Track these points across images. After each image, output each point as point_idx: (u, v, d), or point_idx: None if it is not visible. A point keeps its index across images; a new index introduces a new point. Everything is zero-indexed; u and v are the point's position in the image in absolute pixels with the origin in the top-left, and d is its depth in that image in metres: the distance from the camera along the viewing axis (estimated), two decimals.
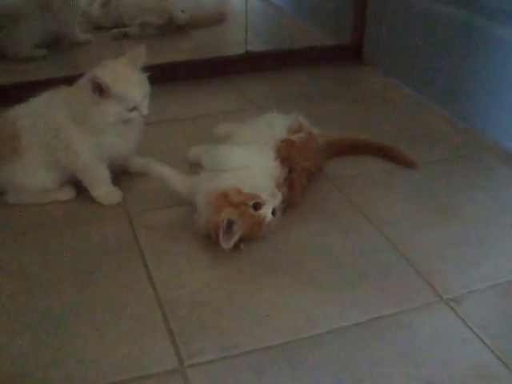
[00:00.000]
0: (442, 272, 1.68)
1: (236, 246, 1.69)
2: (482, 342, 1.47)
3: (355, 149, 2.17)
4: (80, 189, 1.96)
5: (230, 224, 1.64)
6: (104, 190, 1.94)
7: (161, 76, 2.63)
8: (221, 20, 3.59)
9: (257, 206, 1.67)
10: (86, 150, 1.86)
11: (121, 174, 2.05)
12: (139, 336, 1.47)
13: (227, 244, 1.65)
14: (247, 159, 1.78)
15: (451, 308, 1.56)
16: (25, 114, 1.91)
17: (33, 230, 1.84)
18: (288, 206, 1.81)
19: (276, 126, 1.96)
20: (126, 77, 1.83)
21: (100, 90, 1.79)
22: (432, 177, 2.04)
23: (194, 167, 1.95)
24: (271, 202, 1.69)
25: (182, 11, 3.44)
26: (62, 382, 1.36)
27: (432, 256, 1.74)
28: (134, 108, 1.83)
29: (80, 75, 1.88)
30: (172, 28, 3.41)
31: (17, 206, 1.93)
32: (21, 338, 1.47)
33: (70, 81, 1.92)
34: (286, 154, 1.84)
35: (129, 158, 2.02)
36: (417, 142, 2.28)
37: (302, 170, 1.88)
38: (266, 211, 1.69)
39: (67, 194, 1.96)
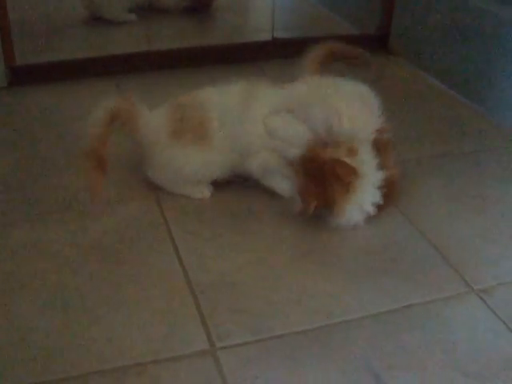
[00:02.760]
0: (473, 263, 1.67)
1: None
2: None
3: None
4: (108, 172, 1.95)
5: None
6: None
7: (187, 60, 2.66)
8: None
9: None
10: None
11: None
12: (169, 317, 1.47)
13: None
14: None
15: (482, 299, 1.55)
16: (216, 103, 1.86)
17: (58, 210, 1.83)
18: None
19: None
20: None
21: None
22: (463, 168, 2.04)
23: None
24: None
25: None
26: (93, 361, 1.36)
27: (463, 247, 1.73)
28: None
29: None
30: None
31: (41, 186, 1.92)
32: (51, 316, 1.46)
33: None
34: None
35: None
36: (446, 133, 2.27)
37: None
38: None
39: (209, 191, 1.92)
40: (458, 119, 2.40)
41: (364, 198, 1.70)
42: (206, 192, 1.89)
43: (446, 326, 1.47)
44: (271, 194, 1.85)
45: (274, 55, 2.80)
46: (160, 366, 1.35)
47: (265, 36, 2.84)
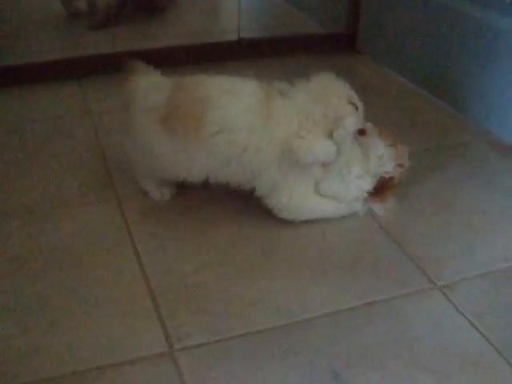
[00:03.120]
0: (436, 259, 1.66)
1: None
2: (476, 329, 1.45)
3: None
4: (66, 173, 1.96)
5: None
6: None
7: (153, 62, 2.64)
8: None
9: None
10: None
11: None
12: (129, 320, 1.45)
13: None
14: None
15: (444, 295, 1.54)
16: (222, 106, 1.69)
17: (18, 214, 1.80)
18: None
19: None
20: None
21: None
22: (426, 165, 2.03)
23: None
24: None
25: None
26: (51, 365, 1.34)
27: (426, 243, 1.72)
28: None
29: None
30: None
31: (2, 189, 1.90)
32: (9, 321, 1.44)
33: None
34: None
35: None
36: (411, 130, 2.26)
37: None
38: None
39: (169, 192, 1.88)
40: (422, 117, 2.39)
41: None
42: (165, 193, 1.85)
43: (408, 323, 1.46)
44: (232, 195, 1.83)
45: (241, 55, 2.79)
46: (118, 370, 1.33)
47: (231, 36, 2.82)
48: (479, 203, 1.89)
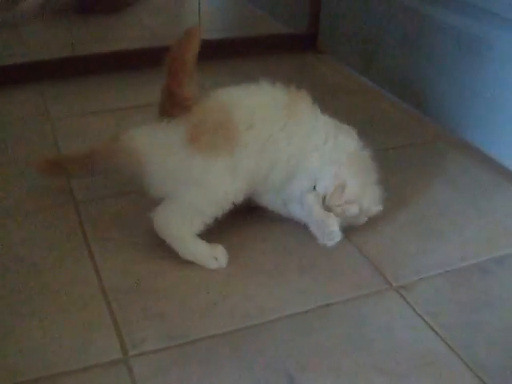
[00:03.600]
0: (393, 260, 1.66)
1: None
2: (432, 329, 1.45)
3: None
4: (22, 178, 1.94)
5: None
6: None
7: (112, 65, 2.63)
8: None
9: None
10: None
11: None
12: (83, 326, 1.44)
13: None
14: None
15: (401, 295, 1.54)
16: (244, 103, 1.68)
17: None
18: None
19: None
20: None
21: None
22: (385, 164, 2.02)
23: None
24: None
25: None
26: (2, 374, 1.32)
27: (383, 243, 1.73)
28: None
29: None
30: None
31: None
32: None
33: None
34: None
35: None
36: (371, 129, 2.25)
37: None
38: None
39: (225, 257, 1.68)
40: (383, 116, 2.40)
41: None
42: (221, 259, 1.65)
43: (364, 325, 1.46)
44: None
45: (201, 57, 2.77)
46: (71, 378, 1.31)
47: None
48: (438, 202, 1.90)
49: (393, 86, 2.51)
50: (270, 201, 1.75)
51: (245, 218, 1.75)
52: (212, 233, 1.65)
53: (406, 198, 1.88)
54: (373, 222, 1.74)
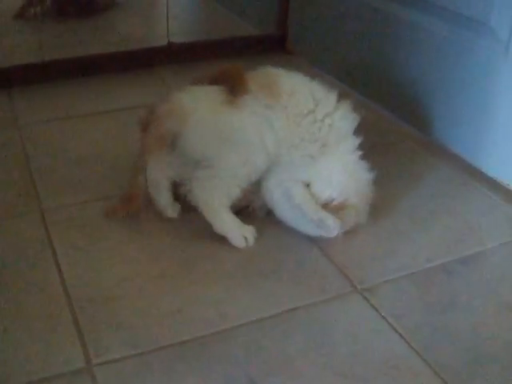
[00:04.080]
0: (358, 262, 1.67)
1: None
2: (396, 332, 1.46)
3: None
4: None
5: None
6: None
7: (82, 70, 2.62)
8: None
9: None
10: None
11: None
12: (47, 336, 1.43)
13: None
14: None
15: (365, 298, 1.55)
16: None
17: None
18: None
19: None
20: None
21: None
22: None
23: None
24: None
25: None
26: None
27: (348, 246, 1.73)
28: None
29: None
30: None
31: None
32: None
33: None
34: None
35: None
36: None
37: None
38: None
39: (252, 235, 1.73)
40: None
41: None
42: (250, 239, 1.71)
43: (328, 329, 1.46)
44: (149, 207, 1.81)
45: (171, 60, 2.77)
46: None
47: (161, 41, 2.80)
48: (405, 203, 1.90)
49: (360, 85, 2.51)
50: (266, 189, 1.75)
51: (206, 224, 1.73)
52: (179, 244, 1.68)
53: (373, 199, 1.88)
54: None
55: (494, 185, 2.00)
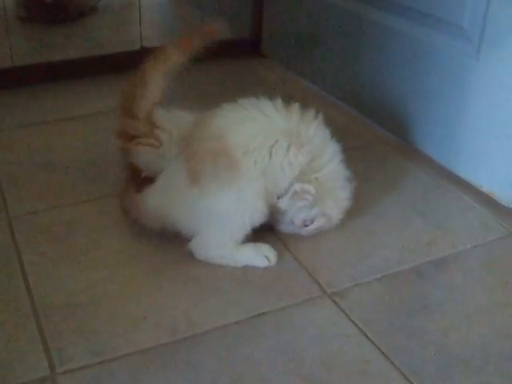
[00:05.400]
0: (328, 266, 1.65)
1: None
2: (365, 336, 1.44)
3: None
4: None
5: None
6: None
7: (55, 75, 2.59)
8: None
9: None
10: None
11: None
12: (11, 344, 1.41)
13: None
14: None
15: (335, 302, 1.53)
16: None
17: None
18: None
19: None
20: None
21: None
22: None
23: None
24: None
25: None
26: None
27: (319, 250, 1.72)
28: None
29: None
30: None
31: None
32: None
33: None
34: None
35: None
36: None
37: None
38: None
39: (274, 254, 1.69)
40: (326, 120, 2.37)
41: None
42: (271, 256, 1.68)
43: (296, 334, 1.45)
44: (118, 212, 1.81)
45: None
46: None
47: (133, 46, 2.78)
48: (377, 206, 1.89)
49: (334, 89, 2.51)
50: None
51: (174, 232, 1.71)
52: (148, 251, 1.67)
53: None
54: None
55: (466, 187, 1.99)
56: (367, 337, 1.44)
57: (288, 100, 1.76)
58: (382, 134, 2.28)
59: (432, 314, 1.52)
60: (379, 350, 1.41)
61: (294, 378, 1.33)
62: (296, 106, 1.73)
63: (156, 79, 1.76)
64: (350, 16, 2.38)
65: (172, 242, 1.69)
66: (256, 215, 1.61)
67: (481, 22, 1.87)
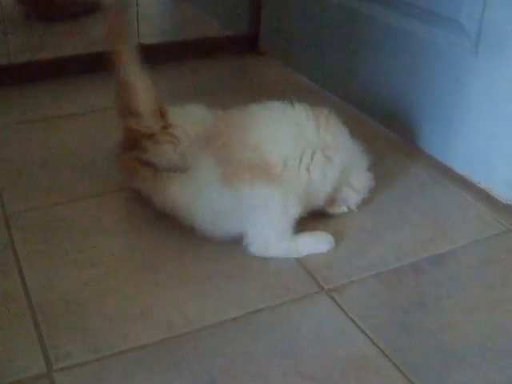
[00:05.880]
0: (325, 262, 1.65)
1: None
2: (363, 332, 1.44)
3: None
4: None
5: None
6: None
7: (48, 71, 2.58)
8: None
9: None
10: None
11: None
12: (7, 341, 1.40)
13: None
14: None
15: (332, 298, 1.53)
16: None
17: None
18: None
19: None
20: None
21: None
22: None
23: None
24: None
25: None
26: None
27: None
28: None
29: None
30: None
31: None
32: None
33: None
34: None
35: None
36: None
37: None
38: None
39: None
40: None
41: None
42: (329, 239, 1.71)
43: (293, 330, 1.44)
44: (119, 208, 1.81)
45: (141, 61, 2.74)
46: None
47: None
48: (374, 201, 1.89)
49: (333, 85, 2.50)
50: None
51: (171, 227, 1.71)
52: (143, 247, 1.65)
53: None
54: (305, 223, 1.72)
55: (464, 183, 1.99)
56: (365, 333, 1.43)
57: (287, 98, 1.75)
58: (380, 131, 2.28)
59: (429, 311, 1.52)
60: (377, 346, 1.40)
61: (292, 374, 1.33)
62: (325, 113, 1.76)
63: (130, 71, 1.75)
64: (348, 12, 2.37)
65: (169, 239, 1.70)
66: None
67: (478, 18, 1.87)
